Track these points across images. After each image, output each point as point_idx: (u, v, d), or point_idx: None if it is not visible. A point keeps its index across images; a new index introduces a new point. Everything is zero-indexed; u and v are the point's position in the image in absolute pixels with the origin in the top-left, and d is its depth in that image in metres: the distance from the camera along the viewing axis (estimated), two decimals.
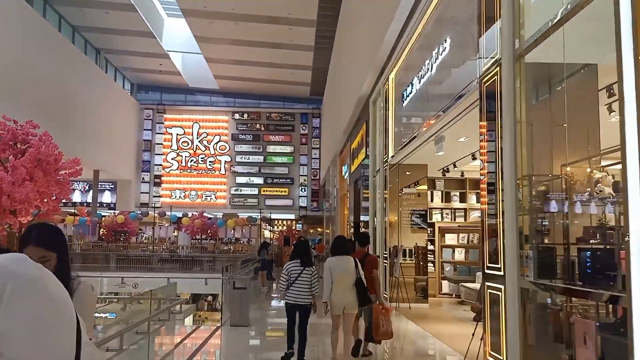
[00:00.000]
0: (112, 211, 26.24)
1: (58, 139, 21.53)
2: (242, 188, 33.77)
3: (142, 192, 33.16)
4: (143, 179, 33.32)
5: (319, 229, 34.47)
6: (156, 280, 11.99)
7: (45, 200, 9.84)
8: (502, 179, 5.19)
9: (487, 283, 5.56)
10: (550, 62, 5.13)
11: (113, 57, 29.85)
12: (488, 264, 5.55)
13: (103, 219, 21.26)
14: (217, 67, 30.32)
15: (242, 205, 33.21)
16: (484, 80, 5.66)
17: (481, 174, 5.86)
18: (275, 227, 35.07)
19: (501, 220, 5.17)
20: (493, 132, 5.44)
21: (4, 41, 18.06)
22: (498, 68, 5.30)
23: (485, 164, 5.71)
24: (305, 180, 34.06)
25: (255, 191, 33.76)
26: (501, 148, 5.22)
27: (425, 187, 12.38)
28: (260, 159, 33.97)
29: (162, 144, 33.84)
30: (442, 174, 13.03)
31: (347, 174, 20.60)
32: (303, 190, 34.01)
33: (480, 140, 5.82)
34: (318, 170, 33.97)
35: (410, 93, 9.31)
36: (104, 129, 27.64)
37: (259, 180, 33.87)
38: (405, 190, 11.93)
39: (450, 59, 7.19)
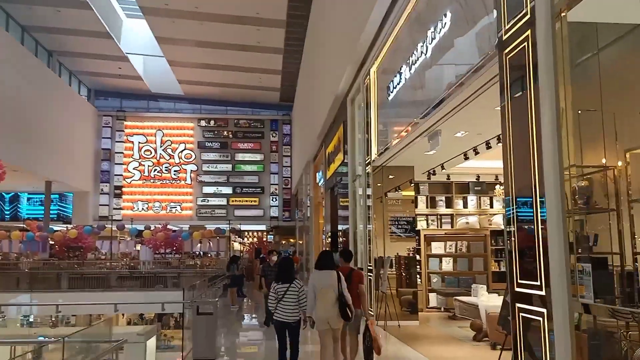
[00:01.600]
0: (67, 225, 24.31)
1: (4, 147, 19.85)
2: (209, 198, 32.16)
3: (100, 204, 31.13)
4: (102, 190, 31.31)
5: (292, 240, 33.14)
6: (98, 307, 10.50)
7: None
8: (539, 173, 4.07)
9: (518, 304, 4.41)
10: (598, 22, 4.07)
11: (67, 59, 27.96)
12: (520, 280, 4.40)
13: (54, 234, 19.39)
14: (181, 71, 28.80)
15: (209, 216, 31.59)
16: (507, 50, 4.54)
17: (505, 170, 4.71)
18: (246, 238, 33.54)
19: (539, 225, 4.05)
20: (523, 117, 4.32)
21: None
22: (529, 31, 4.18)
23: (512, 157, 4.58)
24: (276, 189, 32.70)
25: (223, 201, 32.19)
26: (536, 135, 4.10)
27: (413, 192, 11.25)
28: (229, 167, 32.45)
29: (122, 152, 31.95)
30: (427, 177, 11.95)
31: (321, 181, 19.41)
32: (274, 199, 32.64)
33: (503, 129, 4.68)
34: (289, 179, 32.68)
35: (399, 84, 8.19)
36: (58, 137, 25.72)
37: (227, 190, 32.32)
38: (390, 195, 10.78)
39: (452, 35, 6.08)
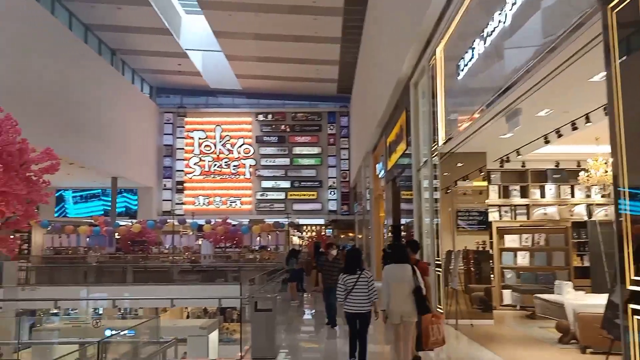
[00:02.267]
0: (132, 220, 24.87)
1: (72, 145, 20.49)
2: (268, 193, 32.14)
3: (164, 200, 31.81)
4: (165, 185, 31.96)
5: (351, 234, 32.62)
6: (156, 301, 10.40)
7: (16, 203, 8.01)
8: None
9: (633, 306, 3.66)
10: None
11: (130, 58, 28.61)
12: (633, 277, 3.65)
13: (118, 228, 19.80)
14: (238, 66, 28.82)
15: (268, 210, 31.58)
16: (613, 4, 3.77)
17: (613, 150, 3.94)
18: (304, 232, 33.32)
19: None
20: (637, 82, 3.55)
21: (9, 40, 16.79)
22: None
23: (622, 133, 3.80)
24: (334, 182, 32.23)
25: (282, 195, 32.10)
26: None
27: (485, 183, 10.40)
28: (287, 161, 32.30)
29: (183, 148, 32.48)
30: (500, 164, 11.08)
31: (382, 172, 18.72)
32: (332, 193, 32.19)
33: (610, 99, 3.90)
34: (348, 172, 32.13)
35: (471, 60, 7.43)
36: (123, 134, 26.41)
37: (285, 184, 32.19)
38: (459, 184, 10.00)
39: None
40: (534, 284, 11.04)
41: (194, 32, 27.78)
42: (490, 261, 10.76)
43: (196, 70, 29.83)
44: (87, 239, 19.31)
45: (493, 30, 6.36)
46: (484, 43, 6.78)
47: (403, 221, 15.28)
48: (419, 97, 11.63)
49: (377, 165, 20.47)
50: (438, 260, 10.04)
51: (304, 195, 32.08)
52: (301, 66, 28.18)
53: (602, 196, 11.33)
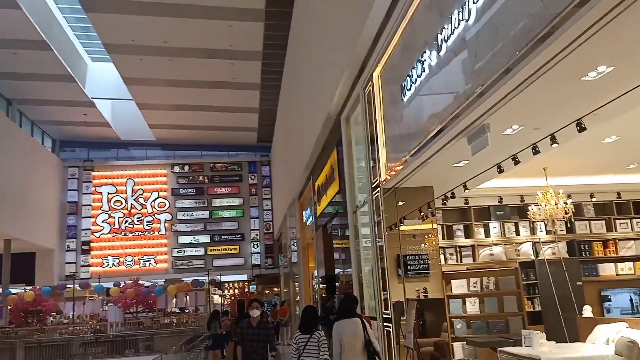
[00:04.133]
0: (27, 287, 21.69)
1: None
2: (185, 249, 29.78)
3: (67, 262, 28.45)
4: (68, 246, 28.70)
5: (276, 289, 30.77)
6: None
7: None
8: None
9: None
10: None
11: (28, 108, 25.97)
12: None
13: (7, 297, 16.89)
14: (151, 115, 27.01)
15: (186, 268, 29.16)
16: None
17: None
18: (226, 290, 31.02)
19: None
20: None
21: None
22: None
23: None
24: (257, 235, 30.54)
25: (201, 251, 29.84)
26: None
27: (435, 224, 9.38)
28: (206, 214, 30.28)
29: (90, 205, 29.59)
30: (443, 201, 10.18)
31: (310, 220, 17.47)
32: (255, 246, 30.42)
33: None
34: (271, 223, 30.61)
35: (420, 76, 6.48)
36: (18, 192, 23.49)
37: (205, 239, 30.05)
38: (405, 225, 8.92)
39: None
40: (487, 334, 9.99)
41: (102, 80, 25.76)
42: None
43: (105, 120, 27.64)
44: None
45: (451, 34, 5.43)
46: (438, 52, 5.85)
47: (338, 271, 14.01)
48: (351, 131, 10.66)
49: (304, 213, 19.23)
50: (387, 314, 8.74)
51: (225, 249, 30.07)
52: (219, 114, 26.95)
53: (548, 232, 10.71)
